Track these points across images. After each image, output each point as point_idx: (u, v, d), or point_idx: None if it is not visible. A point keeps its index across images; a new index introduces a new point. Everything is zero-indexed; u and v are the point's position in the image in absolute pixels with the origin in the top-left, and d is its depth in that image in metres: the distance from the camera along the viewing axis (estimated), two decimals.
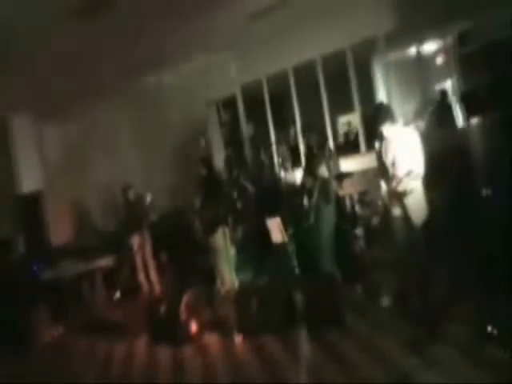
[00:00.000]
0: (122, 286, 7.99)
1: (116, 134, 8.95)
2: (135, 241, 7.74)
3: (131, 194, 7.87)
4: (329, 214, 5.74)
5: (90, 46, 6.56)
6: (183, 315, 5.30)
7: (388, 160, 4.87)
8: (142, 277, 7.81)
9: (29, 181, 8.99)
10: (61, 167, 9.17)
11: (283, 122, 8.85)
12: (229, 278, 6.50)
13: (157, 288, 7.80)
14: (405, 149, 4.80)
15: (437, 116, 7.29)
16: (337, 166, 5.96)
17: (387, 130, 4.88)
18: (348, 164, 6.93)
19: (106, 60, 7.13)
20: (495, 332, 3.66)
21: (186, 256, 7.36)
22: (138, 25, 6.15)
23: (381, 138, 4.98)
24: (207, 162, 7.10)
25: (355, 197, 6.78)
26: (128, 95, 8.59)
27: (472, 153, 5.32)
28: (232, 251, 6.62)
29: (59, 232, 8.91)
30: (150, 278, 7.81)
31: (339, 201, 6.61)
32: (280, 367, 4.19)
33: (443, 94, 7.44)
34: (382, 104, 5.44)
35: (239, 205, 7.06)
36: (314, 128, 6.51)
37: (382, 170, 4.98)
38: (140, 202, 7.82)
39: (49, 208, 8.99)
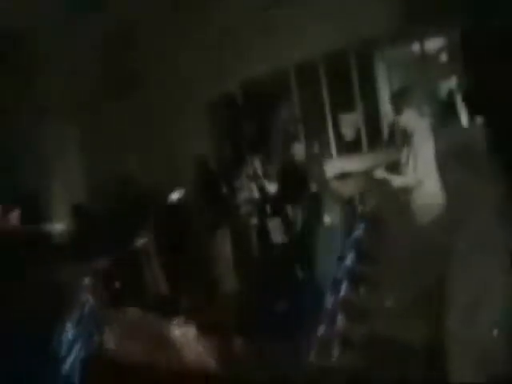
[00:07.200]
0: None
1: (115, 134, 8.98)
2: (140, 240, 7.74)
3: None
4: (318, 215, 5.74)
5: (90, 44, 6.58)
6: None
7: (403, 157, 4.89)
8: (147, 275, 7.80)
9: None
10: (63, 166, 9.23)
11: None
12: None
13: (157, 288, 7.79)
14: (416, 146, 4.81)
15: (441, 115, 7.24)
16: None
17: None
18: (349, 164, 6.91)
19: (107, 58, 7.15)
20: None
21: (186, 256, 7.36)
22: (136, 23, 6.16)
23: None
24: (208, 161, 7.12)
25: (355, 197, 6.74)
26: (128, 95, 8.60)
27: (476, 152, 5.28)
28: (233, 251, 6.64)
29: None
30: (154, 275, 7.80)
31: (338, 201, 6.60)
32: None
33: (447, 92, 7.38)
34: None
35: (239, 204, 7.06)
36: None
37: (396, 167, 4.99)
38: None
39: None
